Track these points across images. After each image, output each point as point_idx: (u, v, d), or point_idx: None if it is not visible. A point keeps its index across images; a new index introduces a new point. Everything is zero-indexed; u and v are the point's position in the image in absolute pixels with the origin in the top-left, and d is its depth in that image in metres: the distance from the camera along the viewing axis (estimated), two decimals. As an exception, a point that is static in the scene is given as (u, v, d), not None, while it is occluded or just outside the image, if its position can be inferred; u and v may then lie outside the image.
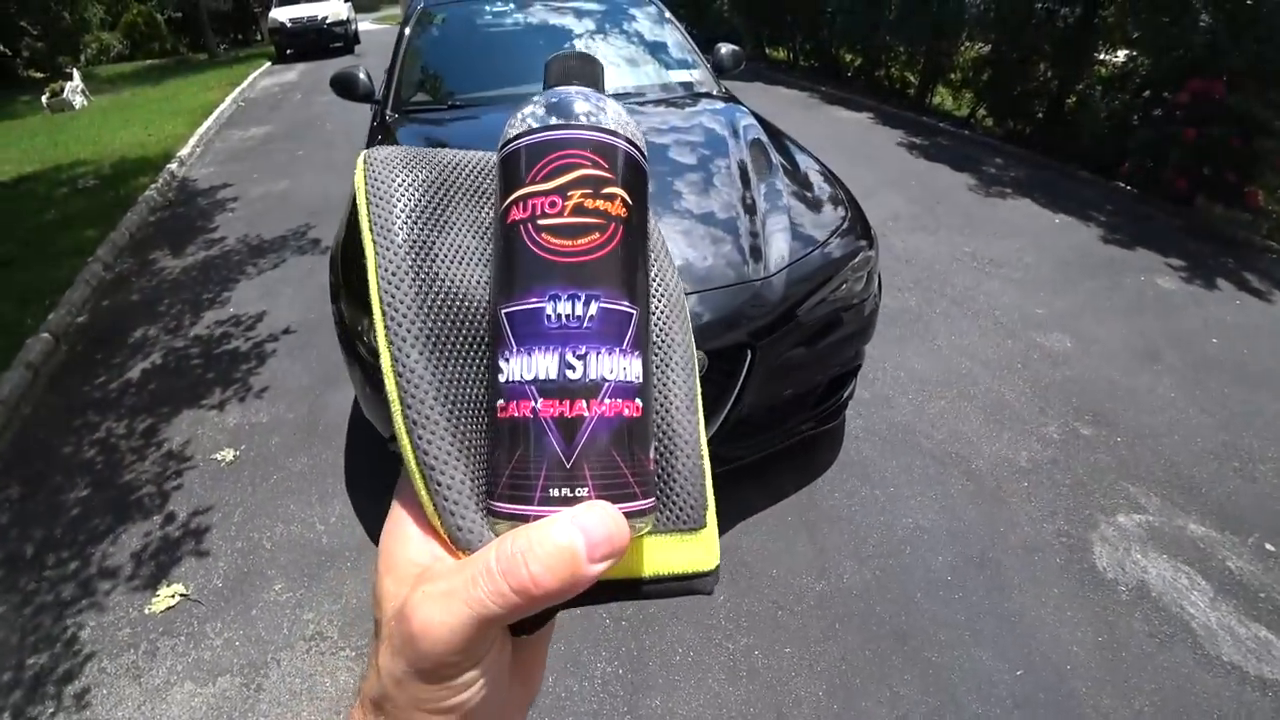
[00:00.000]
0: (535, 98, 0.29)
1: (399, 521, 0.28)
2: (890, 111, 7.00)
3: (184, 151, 6.27)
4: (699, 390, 0.33)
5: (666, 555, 0.29)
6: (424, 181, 0.31)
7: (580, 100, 0.29)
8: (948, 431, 2.50)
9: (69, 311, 3.61)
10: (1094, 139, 5.14)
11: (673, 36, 3.08)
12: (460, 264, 0.30)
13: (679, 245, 1.80)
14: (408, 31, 2.95)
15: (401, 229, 0.29)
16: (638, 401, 0.26)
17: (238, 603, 1.92)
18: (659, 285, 0.34)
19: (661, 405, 0.31)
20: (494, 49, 2.91)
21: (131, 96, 9.79)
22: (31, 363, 3.21)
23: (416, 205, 0.30)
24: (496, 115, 2.32)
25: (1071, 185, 5.04)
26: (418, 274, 0.29)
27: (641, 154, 0.29)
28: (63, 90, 9.47)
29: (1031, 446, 2.43)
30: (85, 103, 9.61)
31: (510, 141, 0.28)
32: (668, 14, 3.21)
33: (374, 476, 2.35)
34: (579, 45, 2.87)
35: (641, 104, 2.64)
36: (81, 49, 13.17)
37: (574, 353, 0.25)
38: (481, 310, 0.29)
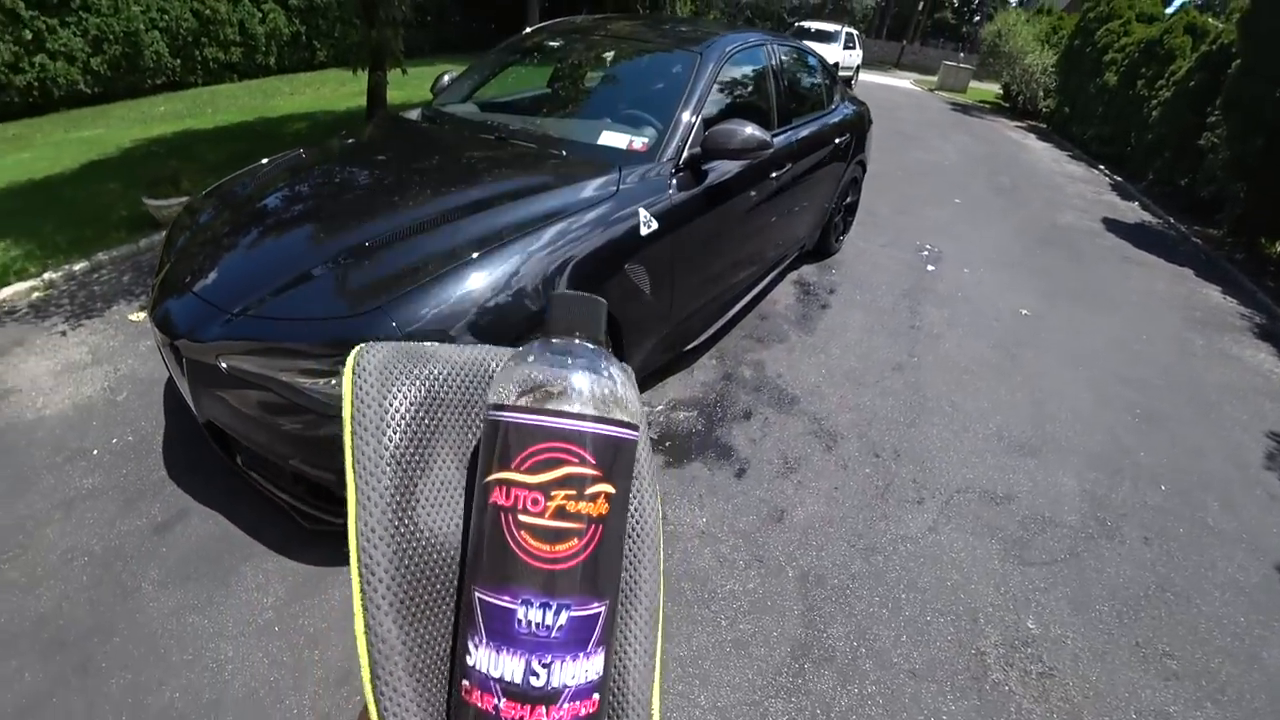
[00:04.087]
0: (532, 353, 0.30)
1: None
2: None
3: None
4: (659, 642, 0.33)
5: None
6: (413, 401, 0.31)
7: (575, 373, 0.28)
8: None
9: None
10: None
11: (673, 95, 2.41)
12: (439, 508, 0.30)
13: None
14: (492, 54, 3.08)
15: (387, 470, 0.29)
16: (594, 697, 0.27)
17: None
18: (635, 523, 0.33)
19: (619, 667, 0.31)
20: (529, 83, 3.02)
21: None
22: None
23: (402, 441, 0.30)
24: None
25: None
26: (397, 530, 0.29)
27: (633, 429, 0.29)
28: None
29: None
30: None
31: (501, 408, 0.28)
32: (704, 72, 2.49)
33: None
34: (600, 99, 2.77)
35: (512, 144, 2.33)
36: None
37: (540, 660, 0.26)
38: (455, 558, 0.30)
